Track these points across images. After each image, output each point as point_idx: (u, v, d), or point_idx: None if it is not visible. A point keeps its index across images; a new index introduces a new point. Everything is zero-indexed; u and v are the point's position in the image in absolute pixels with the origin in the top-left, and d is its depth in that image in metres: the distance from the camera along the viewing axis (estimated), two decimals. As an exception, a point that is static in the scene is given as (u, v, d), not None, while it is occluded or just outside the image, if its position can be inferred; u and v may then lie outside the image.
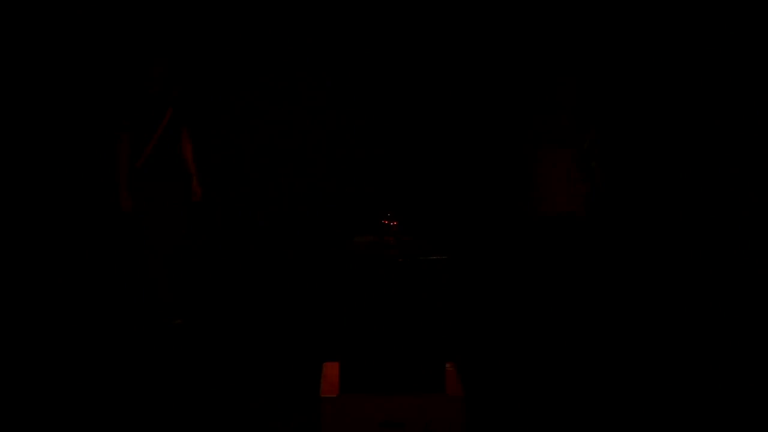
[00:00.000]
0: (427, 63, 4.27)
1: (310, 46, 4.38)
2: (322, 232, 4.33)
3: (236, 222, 4.38)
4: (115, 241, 4.91)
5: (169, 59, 4.37)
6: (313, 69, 4.41)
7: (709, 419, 3.25)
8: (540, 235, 4.01)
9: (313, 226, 4.21)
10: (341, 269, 2.90)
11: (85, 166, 4.92)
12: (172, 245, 4.40)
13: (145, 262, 4.38)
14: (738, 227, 4.15)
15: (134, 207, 4.36)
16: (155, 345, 4.04)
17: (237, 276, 4.37)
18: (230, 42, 4.68)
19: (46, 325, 4.38)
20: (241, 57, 4.68)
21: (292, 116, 4.06)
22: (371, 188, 3.77)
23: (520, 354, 3.97)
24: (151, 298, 4.38)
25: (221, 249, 4.43)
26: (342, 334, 2.92)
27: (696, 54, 4.23)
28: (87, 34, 4.77)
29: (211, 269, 4.39)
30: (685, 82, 4.30)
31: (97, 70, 4.86)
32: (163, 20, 4.75)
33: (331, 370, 3.08)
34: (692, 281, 4.29)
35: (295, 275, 4.28)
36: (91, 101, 4.87)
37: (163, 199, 4.40)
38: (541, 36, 4.30)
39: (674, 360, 3.98)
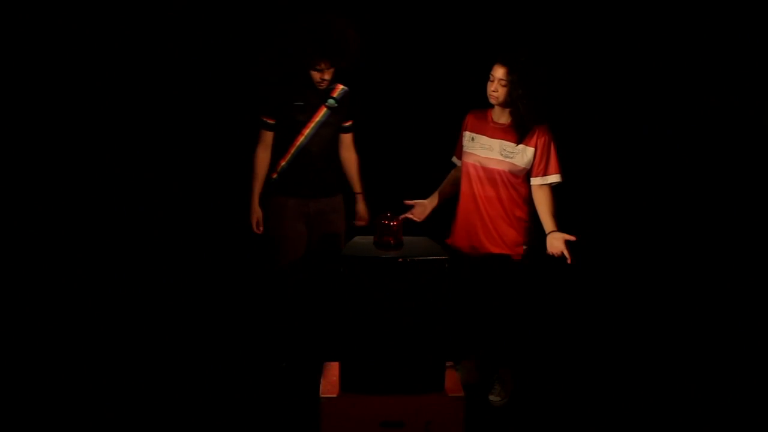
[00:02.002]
0: (429, 67, 4.25)
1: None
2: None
3: (235, 221, 4.32)
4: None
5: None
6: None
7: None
8: None
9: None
10: (341, 269, 2.90)
11: (218, 173, 4.21)
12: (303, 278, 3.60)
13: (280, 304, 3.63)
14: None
15: (269, 228, 3.57)
16: (156, 344, 4.04)
17: (236, 275, 4.36)
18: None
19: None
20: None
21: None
22: (371, 188, 3.76)
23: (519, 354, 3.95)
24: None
25: (219, 248, 4.40)
26: (342, 334, 2.92)
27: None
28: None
29: (209, 269, 4.38)
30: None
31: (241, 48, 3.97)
32: None
33: (331, 370, 3.09)
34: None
35: (295, 275, 4.26)
36: (223, 91, 4.06)
37: (302, 222, 3.55)
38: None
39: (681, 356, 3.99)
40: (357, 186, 3.73)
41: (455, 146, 3.55)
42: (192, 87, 4.16)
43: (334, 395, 2.91)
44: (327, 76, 3.39)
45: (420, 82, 4.27)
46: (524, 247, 3.37)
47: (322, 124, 3.50)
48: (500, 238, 3.35)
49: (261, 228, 3.59)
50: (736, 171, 4.13)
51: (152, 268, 4.29)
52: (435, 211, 3.55)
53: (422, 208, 3.53)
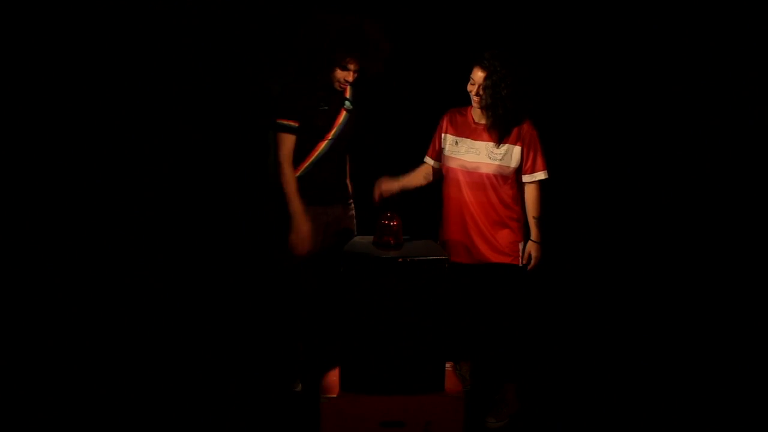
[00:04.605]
0: (432, 67, 4.24)
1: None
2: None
3: (234, 219, 4.33)
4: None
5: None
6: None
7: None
8: None
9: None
10: (341, 269, 2.90)
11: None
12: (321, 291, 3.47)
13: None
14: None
15: (284, 235, 3.35)
16: (157, 344, 4.02)
17: (236, 275, 4.36)
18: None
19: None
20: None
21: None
22: (371, 188, 3.76)
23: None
24: None
25: (223, 247, 4.40)
26: (342, 334, 2.92)
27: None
28: None
29: (209, 268, 4.37)
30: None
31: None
32: None
33: (332, 371, 3.09)
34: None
35: (306, 273, 4.24)
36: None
37: (320, 231, 3.39)
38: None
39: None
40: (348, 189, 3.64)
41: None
42: (199, 88, 4.14)
43: (334, 395, 2.91)
44: (350, 78, 3.28)
45: (412, 80, 4.23)
46: (521, 244, 3.32)
47: (343, 129, 3.38)
48: (497, 242, 3.29)
49: (307, 239, 3.29)
50: (732, 168, 4.11)
51: (155, 268, 4.27)
52: (432, 211, 3.52)
53: (390, 184, 3.46)
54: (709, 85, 4.06)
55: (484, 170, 3.26)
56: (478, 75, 3.18)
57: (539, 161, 3.29)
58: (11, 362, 3.69)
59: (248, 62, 4.01)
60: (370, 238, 3.13)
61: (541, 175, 3.29)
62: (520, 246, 3.34)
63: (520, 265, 3.34)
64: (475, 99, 3.23)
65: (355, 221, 3.58)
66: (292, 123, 3.30)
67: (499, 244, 3.30)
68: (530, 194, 3.31)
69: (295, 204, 3.28)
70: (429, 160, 3.47)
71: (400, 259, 2.88)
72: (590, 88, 4.19)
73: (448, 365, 3.04)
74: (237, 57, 4.03)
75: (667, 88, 4.15)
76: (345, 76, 3.26)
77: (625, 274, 4.30)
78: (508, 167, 3.26)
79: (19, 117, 3.90)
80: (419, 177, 3.50)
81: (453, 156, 3.32)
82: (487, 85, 3.16)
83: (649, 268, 4.28)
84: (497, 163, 3.25)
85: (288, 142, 3.30)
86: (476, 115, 3.30)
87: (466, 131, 3.32)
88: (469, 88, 3.24)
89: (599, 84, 4.18)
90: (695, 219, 4.20)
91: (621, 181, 4.27)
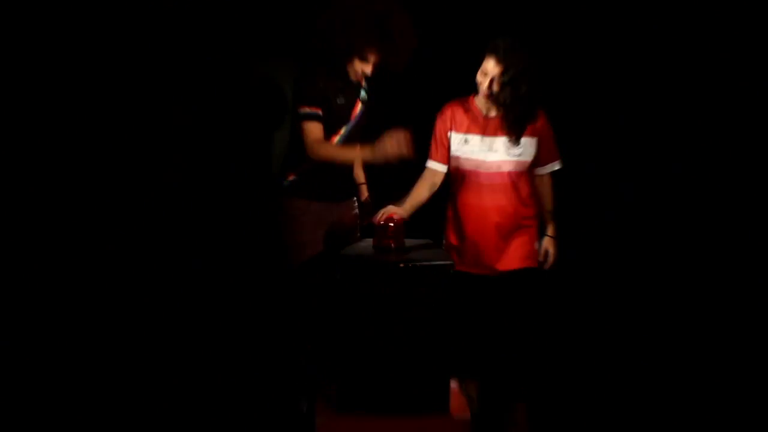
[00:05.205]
0: (435, 73, 4.16)
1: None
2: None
3: (232, 223, 4.29)
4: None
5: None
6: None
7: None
8: None
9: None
10: (337, 276, 2.79)
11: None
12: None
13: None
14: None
15: (283, 233, 3.31)
16: (154, 349, 4.02)
17: (234, 282, 4.29)
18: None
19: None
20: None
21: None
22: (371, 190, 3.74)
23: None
24: None
25: (215, 253, 4.36)
26: (338, 348, 2.81)
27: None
28: None
29: (207, 275, 4.30)
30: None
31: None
32: None
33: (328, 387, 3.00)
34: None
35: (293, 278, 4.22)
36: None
37: (323, 229, 3.32)
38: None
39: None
40: (361, 176, 3.51)
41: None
42: (198, 87, 4.13)
43: (331, 416, 2.80)
44: (369, 71, 3.15)
45: (413, 78, 4.15)
46: (536, 244, 3.19)
47: (357, 122, 3.27)
48: (516, 248, 3.11)
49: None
50: (745, 163, 3.97)
51: (158, 272, 4.25)
52: (434, 212, 3.34)
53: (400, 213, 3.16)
54: (722, 80, 3.94)
55: (506, 168, 3.07)
56: (494, 68, 2.96)
57: (554, 151, 3.19)
58: (17, 362, 3.70)
59: (259, 54, 3.98)
60: (370, 241, 3.05)
61: (556, 165, 3.21)
62: (536, 246, 3.20)
63: (537, 266, 3.19)
64: (485, 91, 3.01)
65: (357, 217, 3.46)
66: (315, 110, 3.14)
67: (518, 250, 3.11)
68: (545, 186, 3.21)
69: (354, 153, 3.16)
70: (436, 165, 3.17)
71: (401, 264, 2.75)
72: (598, 81, 4.06)
73: (453, 384, 2.93)
74: (250, 47, 3.98)
75: (676, 85, 4.03)
76: (364, 67, 3.14)
77: (648, 282, 4.12)
78: (527, 161, 3.10)
79: (22, 118, 3.90)
80: (424, 190, 3.19)
81: (465, 156, 3.09)
82: (505, 82, 2.96)
83: (672, 276, 4.09)
84: (518, 159, 3.07)
85: (315, 129, 3.14)
86: (483, 107, 3.09)
87: (475, 126, 3.09)
88: (480, 78, 3.01)
89: (606, 77, 4.05)
90: (710, 222, 4.03)
91: (624, 182, 4.13)
